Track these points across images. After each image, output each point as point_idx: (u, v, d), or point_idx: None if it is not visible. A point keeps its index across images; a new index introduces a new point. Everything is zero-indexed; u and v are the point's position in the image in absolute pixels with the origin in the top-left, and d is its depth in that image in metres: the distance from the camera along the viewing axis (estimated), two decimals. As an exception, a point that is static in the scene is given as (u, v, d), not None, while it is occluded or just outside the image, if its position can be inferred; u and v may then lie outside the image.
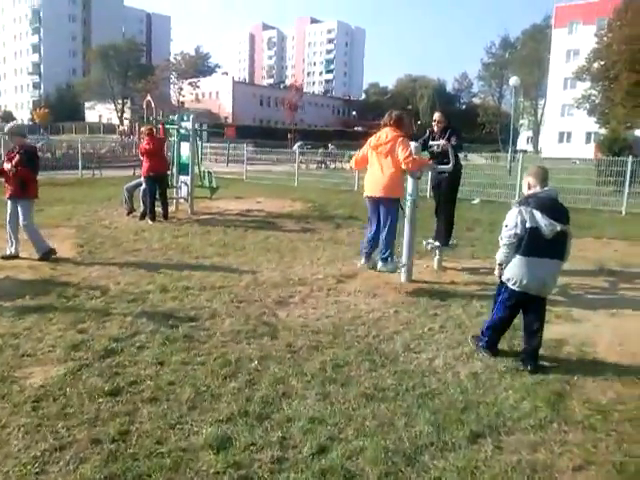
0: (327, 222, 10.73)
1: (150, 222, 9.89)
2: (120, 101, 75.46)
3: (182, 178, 11.44)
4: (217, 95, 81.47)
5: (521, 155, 14.57)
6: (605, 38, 38.12)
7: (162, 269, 6.65)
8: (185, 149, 11.38)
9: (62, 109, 79.04)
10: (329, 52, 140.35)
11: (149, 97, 37.55)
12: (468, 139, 68.29)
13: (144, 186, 10.26)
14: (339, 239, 9.04)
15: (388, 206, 5.87)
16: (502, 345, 4.38)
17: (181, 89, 70.25)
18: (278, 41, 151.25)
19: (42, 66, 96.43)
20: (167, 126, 11.71)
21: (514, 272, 4.02)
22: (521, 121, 74.67)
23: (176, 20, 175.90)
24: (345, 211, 12.15)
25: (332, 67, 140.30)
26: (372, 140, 6.02)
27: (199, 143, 12.39)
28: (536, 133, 75.51)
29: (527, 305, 4.17)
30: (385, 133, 5.90)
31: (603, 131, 48.38)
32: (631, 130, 29.98)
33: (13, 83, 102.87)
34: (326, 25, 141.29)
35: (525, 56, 73.34)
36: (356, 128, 78.72)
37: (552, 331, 4.77)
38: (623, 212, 12.70)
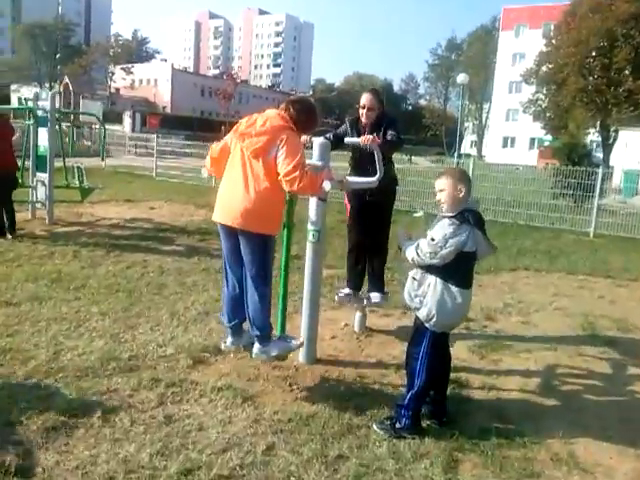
0: (229, 240, 8.20)
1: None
2: (48, 84, 69.85)
3: (39, 176, 8.65)
4: (155, 83, 77.14)
5: (472, 161, 12.48)
6: (554, 41, 37.29)
7: None
8: (44, 137, 8.59)
9: (-17, 90, 72.40)
10: (277, 45, 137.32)
11: (67, 80, 33.76)
12: (414, 141, 67.19)
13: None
14: (234, 269, 6.55)
15: (252, 245, 3.35)
16: None
17: (113, 74, 65.49)
18: (225, 31, 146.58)
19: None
20: (16, 106, 8.81)
21: (443, 309, 3.02)
22: (465, 124, 74.32)
23: (120, 3, 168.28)
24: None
25: (280, 61, 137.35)
26: (241, 124, 3.42)
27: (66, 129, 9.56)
28: (480, 137, 75.30)
29: None
30: (265, 118, 3.34)
31: (549, 137, 48.07)
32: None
33: None
34: (274, 17, 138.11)
35: (471, 58, 72.80)
36: (301, 124, 76.22)
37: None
38: (591, 234, 10.74)
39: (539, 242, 9.47)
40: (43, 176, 8.55)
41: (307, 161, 3.61)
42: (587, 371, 4.20)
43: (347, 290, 4.67)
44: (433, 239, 2.95)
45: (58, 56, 65.88)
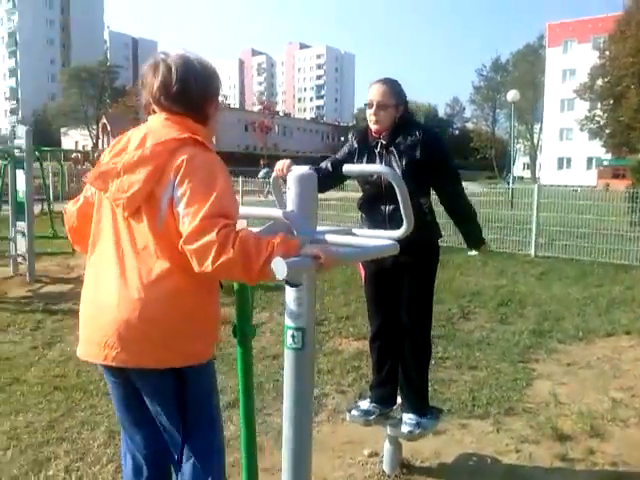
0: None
1: None
2: (96, 126, 71.96)
3: (19, 225, 7.40)
4: (200, 120, 78.16)
5: (536, 187, 10.53)
6: (607, 52, 34.95)
7: None
8: (22, 181, 7.35)
9: (37, 135, 75.20)
10: (319, 77, 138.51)
11: (104, 120, 33.76)
12: (462, 165, 64.70)
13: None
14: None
15: (163, 392, 1.67)
16: None
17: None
18: (268, 67, 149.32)
19: (20, 91, 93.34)
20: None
21: None
22: (517, 146, 71.58)
23: (165, 46, 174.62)
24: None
25: (322, 93, 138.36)
26: (105, 153, 1.71)
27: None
28: (533, 159, 72.22)
29: None
30: (143, 132, 1.64)
31: (608, 155, 44.95)
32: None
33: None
34: (315, 50, 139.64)
35: (518, 78, 70.33)
36: (345, 154, 75.29)
37: None
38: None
39: (631, 287, 7.43)
40: (22, 225, 7.29)
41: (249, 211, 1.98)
42: None
43: (367, 404, 2.95)
44: None
45: (104, 98, 67.62)
